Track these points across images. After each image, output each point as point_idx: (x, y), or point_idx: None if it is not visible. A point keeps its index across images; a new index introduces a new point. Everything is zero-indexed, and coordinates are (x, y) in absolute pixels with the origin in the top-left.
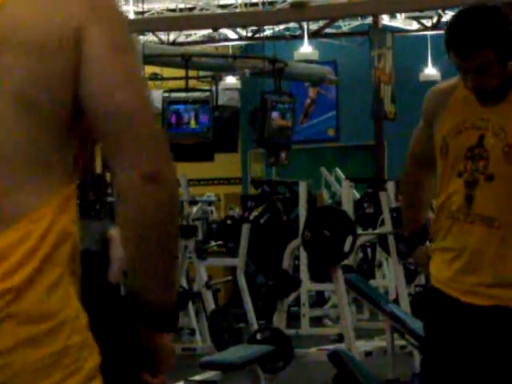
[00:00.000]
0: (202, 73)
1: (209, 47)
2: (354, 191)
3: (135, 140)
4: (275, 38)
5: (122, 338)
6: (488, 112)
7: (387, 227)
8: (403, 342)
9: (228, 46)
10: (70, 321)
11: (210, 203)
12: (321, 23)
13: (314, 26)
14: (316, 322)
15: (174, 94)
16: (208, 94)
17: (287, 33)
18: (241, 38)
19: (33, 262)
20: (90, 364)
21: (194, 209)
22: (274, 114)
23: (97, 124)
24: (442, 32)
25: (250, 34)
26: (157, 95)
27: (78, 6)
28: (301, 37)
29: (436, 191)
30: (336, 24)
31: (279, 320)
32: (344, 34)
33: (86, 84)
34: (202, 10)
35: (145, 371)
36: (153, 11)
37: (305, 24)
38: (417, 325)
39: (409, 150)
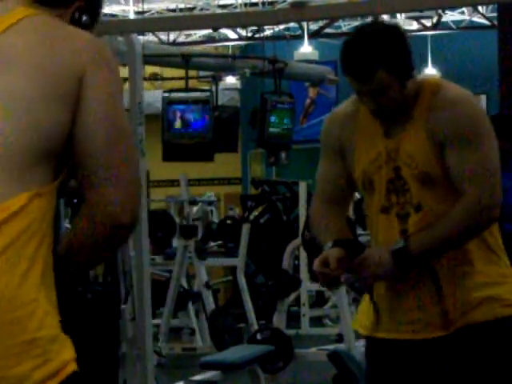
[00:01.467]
0: (202, 73)
1: (209, 47)
2: None
3: (111, 185)
4: (275, 37)
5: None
6: (396, 140)
7: None
8: None
9: (228, 46)
10: (40, 315)
11: (209, 203)
12: (321, 23)
13: (314, 26)
14: (316, 322)
15: (174, 94)
16: (208, 94)
17: (287, 33)
18: (241, 38)
19: None
20: (61, 357)
21: (194, 209)
22: (274, 114)
23: (80, 160)
24: (442, 32)
25: (250, 34)
26: (157, 95)
27: (85, 51)
28: (301, 37)
29: (368, 227)
30: (336, 24)
31: (279, 320)
32: (344, 34)
33: (79, 124)
34: (202, 9)
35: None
36: (153, 11)
37: (305, 24)
38: None
39: (316, 190)
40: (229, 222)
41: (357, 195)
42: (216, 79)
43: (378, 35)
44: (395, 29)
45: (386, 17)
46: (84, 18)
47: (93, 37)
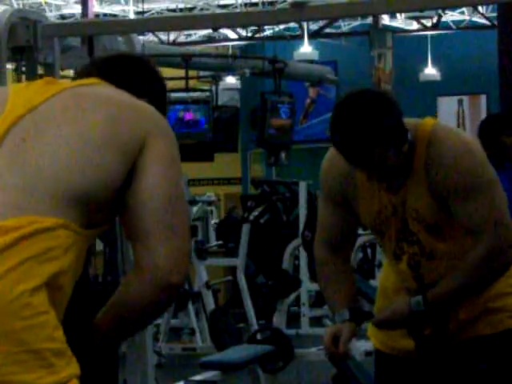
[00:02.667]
0: (202, 73)
1: (209, 47)
2: None
3: (163, 249)
4: (275, 37)
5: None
6: (399, 195)
7: None
8: None
9: (228, 45)
10: (50, 328)
11: (209, 203)
12: (321, 23)
13: (314, 26)
14: (316, 322)
15: (174, 94)
16: (208, 94)
17: (287, 33)
18: (241, 38)
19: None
20: (66, 371)
21: (194, 209)
22: (274, 114)
23: (133, 221)
24: (442, 32)
25: (250, 34)
26: None
27: (149, 120)
28: (301, 37)
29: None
30: (336, 24)
31: (279, 320)
32: (344, 34)
33: (137, 186)
34: (202, 9)
35: None
36: (153, 11)
37: (305, 24)
38: None
39: (319, 237)
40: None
41: None
42: (216, 79)
43: (367, 113)
44: (383, 98)
45: (385, 17)
46: None
47: (155, 110)
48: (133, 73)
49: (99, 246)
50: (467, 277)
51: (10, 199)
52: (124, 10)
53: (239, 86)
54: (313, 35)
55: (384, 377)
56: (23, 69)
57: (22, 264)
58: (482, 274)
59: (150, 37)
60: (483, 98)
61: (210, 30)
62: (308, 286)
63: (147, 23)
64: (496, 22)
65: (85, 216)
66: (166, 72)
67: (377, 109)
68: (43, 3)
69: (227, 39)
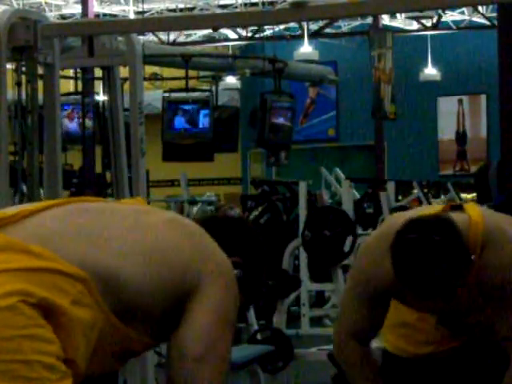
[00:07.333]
0: (202, 73)
1: (209, 47)
2: (354, 191)
3: None
4: (275, 37)
5: None
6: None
7: None
8: None
9: (228, 45)
10: (41, 340)
11: (209, 203)
12: (321, 23)
13: (314, 26)
14: (316, 322)
15: (174, 94)
16: (208, 94)
17: (287, 33)
18: (241, 38)
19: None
20: None
21: (194, 209)
22: (274, 114)
23: (167, 364)
24: (442, 32)
25: (249, 34)
26: (157, 95)
27: (213, 263)
28: (301, 37)
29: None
30: (336, 24)
31: (279, 320)
32: (344, 34)
33: (180, 324)
34: (202, 9)
35: None
36: (153, 11)
37: (305, 24)
38: None
39: (346, 328)
40: None
41: (356, 195)
42: (216, 79)
43: (440, 250)
44: (449, 227)
45: (385, 17)
46: (235, 271)
47: (227, 259)
48: (228, 233)
49: None
50: None
51: (43, 238)
52: (124, 10)
53: (239, 86)
54: (313, 35)
55: (392, 377)
56: (23, 69)
57: (26, 282)
58: None
59: (150, 37)
60: (483, 98)
61: (210, 30)
62: (308, 286)
63: (147, 23)
64: (496, 22)
65: (114, 303)
66: (166, 72)
67: (452, 252)
68: (43, 3)
69: (227, 39)
